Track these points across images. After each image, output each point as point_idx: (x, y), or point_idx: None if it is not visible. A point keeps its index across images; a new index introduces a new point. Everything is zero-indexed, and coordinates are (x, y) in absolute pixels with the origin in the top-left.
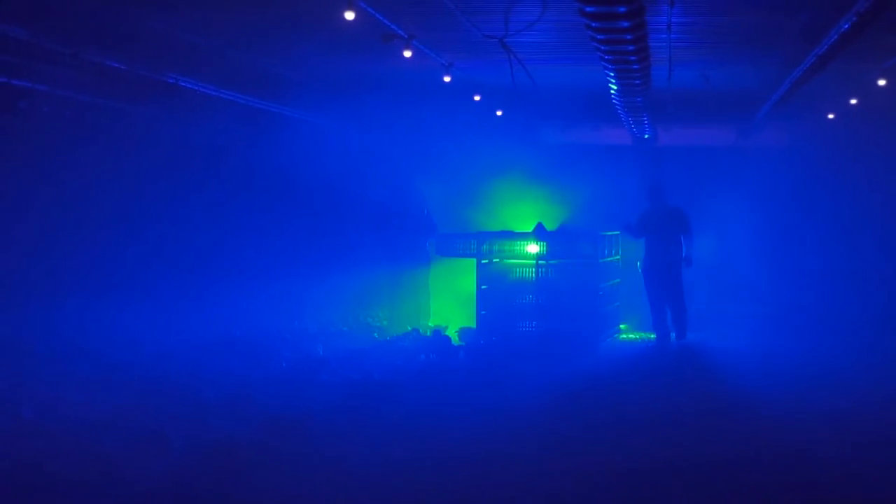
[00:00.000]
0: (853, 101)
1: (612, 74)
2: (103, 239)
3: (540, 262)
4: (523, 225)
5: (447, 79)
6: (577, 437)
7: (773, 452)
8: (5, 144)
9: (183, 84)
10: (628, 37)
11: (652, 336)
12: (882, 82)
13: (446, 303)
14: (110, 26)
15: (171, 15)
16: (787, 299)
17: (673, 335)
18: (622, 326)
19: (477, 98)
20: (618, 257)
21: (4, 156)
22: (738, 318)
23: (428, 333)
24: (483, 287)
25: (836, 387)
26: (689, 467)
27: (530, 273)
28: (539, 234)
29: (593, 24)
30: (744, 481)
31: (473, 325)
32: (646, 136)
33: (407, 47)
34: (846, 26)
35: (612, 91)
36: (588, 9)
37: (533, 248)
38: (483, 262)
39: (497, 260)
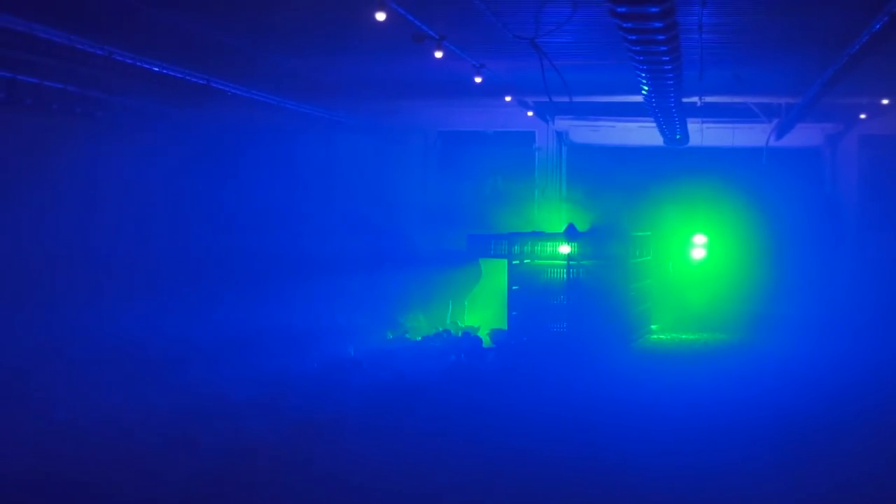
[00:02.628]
0: (885, 101)
1: (643, 75)
2: (137, 239)
3: (571, 262)
4: (554, 226)
5: (478, 79)
6: (602, 443)
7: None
8: (36, 145)
9: (215, 85)
10: (660, 37)
11: (682, 336)
12: None
13: (478, 303)
14: (143, 28)
15: (202, 17)
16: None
17: None
18: (654, 327)
19: (508, 99)
20: (649, 257)
21: (36, 156)
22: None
23: (458, 334)
24: (514, 288)
25: None
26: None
27: (561, 274)
28: (570, 234)
29: (625, 25)
30: None
31: (504, 325)
32: (677, 137)
33: (438, 48)
34: (878, 26)
35: (644, 91)
36: (619, 9)
37: (564, 248)
38: (514, 262)
39: (528, 261)
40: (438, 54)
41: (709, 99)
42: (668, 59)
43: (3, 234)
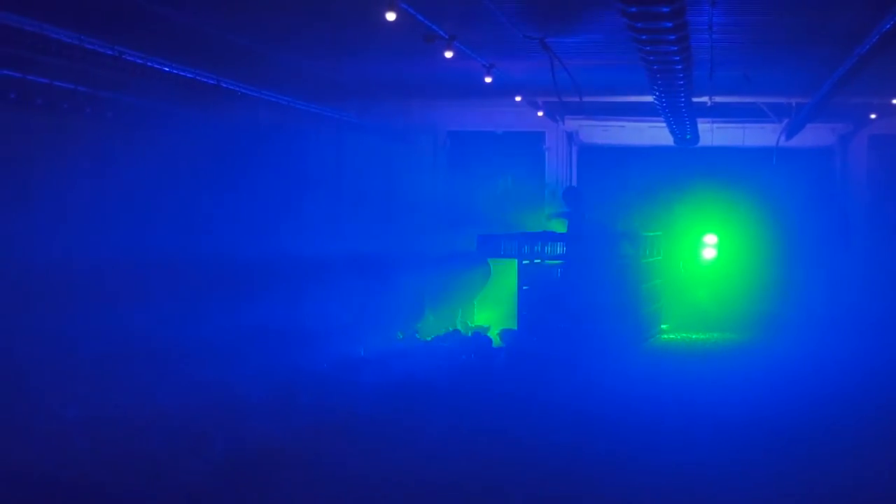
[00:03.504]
0: (895, 101)
1: (654, 75)
2: (148, 238)
3: None
4: (564, 226)
5: (488, 80)
6: (613, 441)
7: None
8: (46, 145)
9: (225, 85)
10: (671, 37)
11: (692, 336)
12: None
13: (488, 303)
14: (154, 28)
15: (213, 17)
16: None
17: None
18: (664, 326)
19: (518, 99)
20: (659, 257)
21: (48, 157)
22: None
23: (469, 334)
24: (524, 287)
25: None
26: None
27: None
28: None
29: (636, 25)
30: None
31: (515, 325)
32: (687, 137)
33: (448, 48)
34: (888, 26)
35: (654, 91)
36: (630, 9)
37: None
38: (524, 262)
39: (538, 260)
40: (448, 54)
41: (719, 99)
42: (678, 59)
43: (13, 234)
